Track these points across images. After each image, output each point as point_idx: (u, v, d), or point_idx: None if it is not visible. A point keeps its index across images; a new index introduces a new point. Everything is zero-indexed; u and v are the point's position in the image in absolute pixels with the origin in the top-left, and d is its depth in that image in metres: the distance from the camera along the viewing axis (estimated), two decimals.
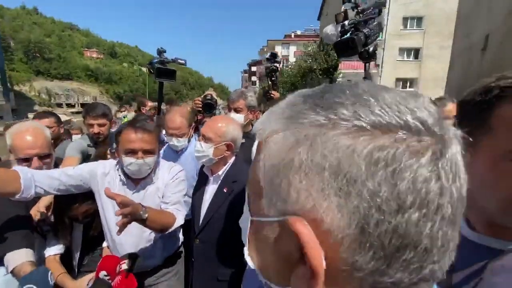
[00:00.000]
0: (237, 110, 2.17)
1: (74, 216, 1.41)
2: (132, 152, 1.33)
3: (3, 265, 1.18)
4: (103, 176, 1.42)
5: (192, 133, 2.22)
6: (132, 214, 1.09)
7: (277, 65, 2.73)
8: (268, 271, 0.29)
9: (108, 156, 1.96)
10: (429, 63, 19.80)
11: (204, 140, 1.44)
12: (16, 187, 1.13)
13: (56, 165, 1.62)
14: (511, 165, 0.48)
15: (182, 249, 1.71)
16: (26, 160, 1.38)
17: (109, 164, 1.47)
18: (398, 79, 20.24)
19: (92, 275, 1.25)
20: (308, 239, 0.23)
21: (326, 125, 0.23)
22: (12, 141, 1.39)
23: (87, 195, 1.42)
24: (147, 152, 1.35)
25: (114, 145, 2.22)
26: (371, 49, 1.50)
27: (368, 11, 1.45)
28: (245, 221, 0.33)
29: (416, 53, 20.72)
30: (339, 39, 1.48)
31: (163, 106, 3.38)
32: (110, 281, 1.14)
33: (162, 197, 1.46)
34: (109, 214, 1.39)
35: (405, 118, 0.22)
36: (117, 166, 1.46)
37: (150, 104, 4.54)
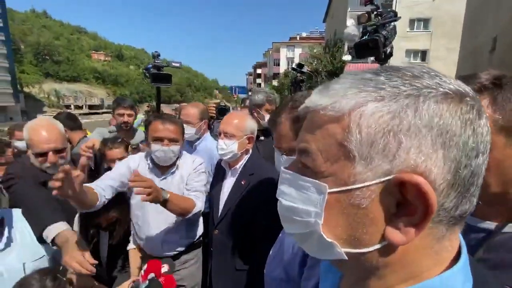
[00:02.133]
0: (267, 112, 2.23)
1: (98, 223, 1.50)
2: (159, 140, 1.48)
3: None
4: (135, 167, 1.58)
5: (206, 129, 2.30)
6: (154, 195, 1.21)
7: (304, 76, 2.69)
8: (355, 238, 0.32)
9: (130, 152, 2.07)
10: (436, 65, 19.61)
11: (226, 138, 1.50)
12: (96, 200, 1.30)
13: (74, 162, 1.67)
14: None
15: (201, 238, 1.80)
16: (43, 155, 1.43)
17: (138, 157, 1.64)
18: None
19: (130, 281, 1.34)
20: (428, 188, 0.27)
21: (421, 94, 0.29)
22: (29, 136, 1.45)
23: (110, 203, 1.47)
24: (172, 140, 1.50)
25: (133, 142, 2.36)
26: (388, 50, 1.56)
27: (385, 15, 1.50)
28: (299, 203, 0.35)
29: (423, 55, 20.57)
30: (360, 40, 1.53)
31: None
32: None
33: (186, 184, 1.61)
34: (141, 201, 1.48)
35: (463, 88, 0.30)
36: (146, 156, 1.62)
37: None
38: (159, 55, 2.59)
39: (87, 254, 1.09)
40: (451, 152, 0.28)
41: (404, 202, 0.29)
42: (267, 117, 2.19)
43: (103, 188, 1.40)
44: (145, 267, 1.40)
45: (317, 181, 0.33)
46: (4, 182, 1.37)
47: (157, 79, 2.52)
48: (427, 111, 0.28)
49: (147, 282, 1.26)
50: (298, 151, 0.37)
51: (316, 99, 0.34)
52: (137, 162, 1.60)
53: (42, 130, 1.45)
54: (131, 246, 1.66)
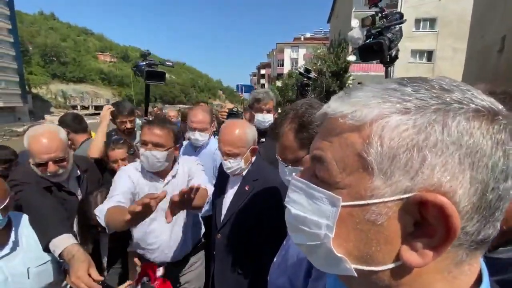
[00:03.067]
0: (268, 111, 2.19)
1: (95, 225, 1.46)
2: (144, 144, 1.44)
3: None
4: (135, 178, 1.53)
5: (212, 134, 2.29)
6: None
7: (310, 81, 2.66)
8: (367, 255, 0.30)
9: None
10: (442, 65, 19.37)
11: (230, 158, 1.42)
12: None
13: (78, 166, 1.68)
14: None
15: (204, 240, 1.80)
16: (43, 165, 1.42)
17: (133, 167, 1.58)
18: None
19: (127, 284, 1.33)
20: (452, 211, 0.26)
21: (451, 109, 0.27)
22: (29, 145, 1.41)
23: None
24: (157, 145, 1.43)
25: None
26: (393, 53, 1.52)
27: (391, 17, 1.46)
28: (309, 213, 0.33)
29: (429, 55, 20.32)
30: (364, 43, 1.49)
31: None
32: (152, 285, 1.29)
33: (188, 180, 1.58)
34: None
35: (496, 106, 0.28)
36: (141, 165, 1.56)
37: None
38: (149, 53, 2.57)
39: (93, 272, 1.09)
40: (479, 174, 0.26)
41: (423, 222, 0.28)
42: (258, 116, 2.16)
43: (125, 204, 1.33)
44: (139, 270, 1.41)
45: (330, 192, 0.31)
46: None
47: (150, 76, 2.49)
48: (456, 127, 0.26)
49: (139, 286, 1.26)
50: (311, 158, 0.35)
51: (336, 105, 0.33)
52: (135, 173, 1.54)
53: (42, 139, 1.41)
54: (131, 248, 1.65)
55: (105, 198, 1.43)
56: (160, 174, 1.55)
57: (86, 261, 1.10)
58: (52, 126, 1.58)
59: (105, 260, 1.58)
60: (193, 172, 1.59)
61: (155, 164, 1.46)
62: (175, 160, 1.61)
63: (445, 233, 0.26)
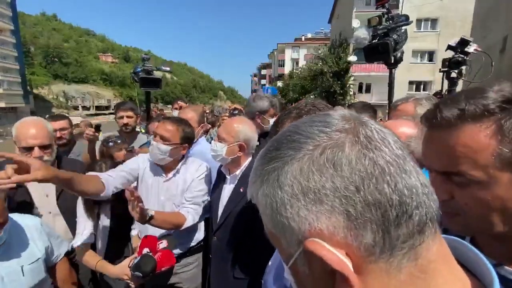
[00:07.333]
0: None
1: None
2: (154, 135, 1.58)
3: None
4: (143, 167, 1.65)
5: (202, 134, 2.29)
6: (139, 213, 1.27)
7: (467, 57, 2.01)
8: None
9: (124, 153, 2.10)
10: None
11: (218, 140, 1.51)
12: (100, 187, 1.34)
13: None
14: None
15: (202, 243, 1.79)
16: (28, 149, 1.49)
17: (142, 158, 1.70)
18: (411, 82, 19.83)
19: (132, 257, 1.36)
20: (320, 251, 0.27)
21: (283, 164, 0.30)
22: (16, 131, 1.52)
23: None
24: (163, 139, 1.54)
25: (133, 144, 2.39)
26: (398, 55, 1.51)
27: (397, 18, 1.45)
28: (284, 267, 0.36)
29: (430, 55, 20.27)
30: (369, 43, 1.48)
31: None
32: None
33: (187, 190, 1.62)
34: (145, 200, 1.48)
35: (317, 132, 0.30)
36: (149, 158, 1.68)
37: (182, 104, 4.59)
38: (149, 58, 2.58)
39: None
40: (325, 204, 0.27)
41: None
42: (271, 120, 2.18)
43: (113, 176, 1.43)
44: (140, 242, 1.42)
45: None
46: None
47: (146, 83, 2.49)
48: (284, 184, 0.29)
49: (139, 257, 1.26)
50: None
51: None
52: (145, 163, 1.65)
53: (29, 126, 1.52)
54: (134, 232, 1.68)
55: (109, 167, 1.56)
56: (164, 169, 1.63)
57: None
58: (38, 117, 1.67)
59: (104, 240, 1.60)
60: (192, 187, 1.63)
61: (157, 156, 1.54)
62: (182, 159, 1.66)
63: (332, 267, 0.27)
